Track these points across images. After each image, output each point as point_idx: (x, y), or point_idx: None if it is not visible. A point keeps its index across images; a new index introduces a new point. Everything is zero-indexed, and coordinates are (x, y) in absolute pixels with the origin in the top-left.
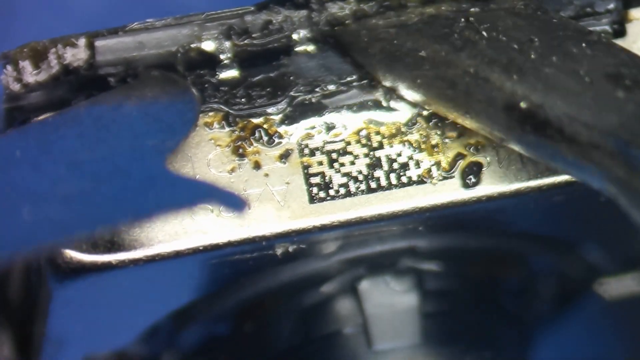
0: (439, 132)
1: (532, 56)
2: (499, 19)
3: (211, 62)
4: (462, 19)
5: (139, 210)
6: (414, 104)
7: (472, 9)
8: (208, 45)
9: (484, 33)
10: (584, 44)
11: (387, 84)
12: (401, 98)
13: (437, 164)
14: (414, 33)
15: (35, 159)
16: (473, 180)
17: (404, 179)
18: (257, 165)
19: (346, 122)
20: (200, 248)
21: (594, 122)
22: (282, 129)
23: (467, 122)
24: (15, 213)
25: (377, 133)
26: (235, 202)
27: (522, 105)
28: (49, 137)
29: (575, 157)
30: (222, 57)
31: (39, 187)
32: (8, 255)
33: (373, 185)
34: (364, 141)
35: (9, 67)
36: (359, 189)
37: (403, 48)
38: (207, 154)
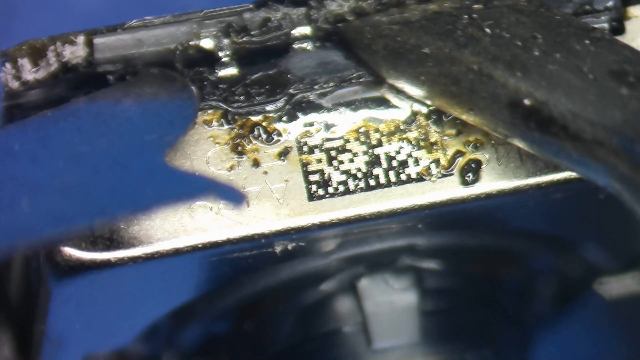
0: (438, 130)
1: (536, 53)
2: (502, 16)
3: (210, 59)
4: (465, 16)
5: (138, 203)
6: (416, 100)
7: (475, 6)
8: (207, 43)
9: (487, 30)
10: (587, 41)
11: (391, 80)
12: (404, 94)
13: (436, 161)
14: (417, 30)
15: (34, 153)
16: (472, 177)
17: (403, 177)
18: (256, 163)
19: (345, 120)
20: (200, 246)
21: (598, 119)
22: (281, 127)
23: (471, 119)
24: (14, 205)
25: (376, 130)
26: (234, 197)
27: (526, 102)
28: (48, 131)
29: (580, 154)
30: (220, 54)
31: (38, 179)
32: (7, 247)
33: (372, 182)
34: (362, 139)
35: (8, 65)
36: (358, 187)
37: (406, 45)
38: (206, 151)
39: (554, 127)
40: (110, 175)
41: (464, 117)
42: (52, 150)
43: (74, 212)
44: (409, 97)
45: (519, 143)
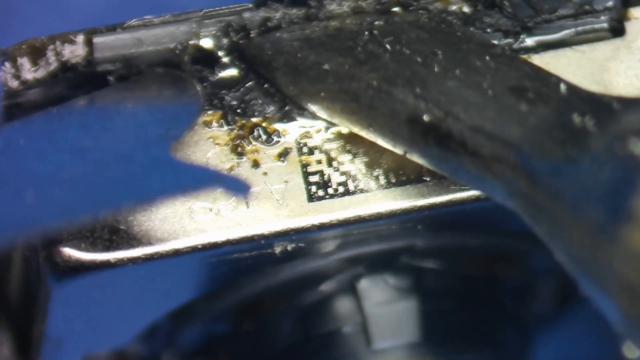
0: None
1: (435, 69)
2: (402, 32)
3: (210, 59)
4: (366, 32)
5: (142, 193)
6: (318, 118)
7: (377, 22)
8: (206, 43)
9: (388, 46)
10: (487, 57)
11: (292, 97)
12: (306, 111)
13: None
14: (317, 46)
15: (39, 147)
16: None
17: (403, 178)
18: (255, 164)
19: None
20: (199, 247)
21: (497, 135)
22: (280, 128)
23: (371, 136)
24: (18, 197)
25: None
26: (238, 187)
27: (425, 118)
28: (52, 126)
29: (478, 170)
30: (220, 54)
31: (42, 171)
32: (11, 237)
33: (372, 183)
34: (362, 139)
35: (7, 64)
36: (358, 188)
37: (306, 61)
38: (205, 152)
39: (453, 143)
40: (115, 166)
41: (364, 133)
42: (56, 144)
43: (78, 204)
44: (313, 115)
45: (418, 160)
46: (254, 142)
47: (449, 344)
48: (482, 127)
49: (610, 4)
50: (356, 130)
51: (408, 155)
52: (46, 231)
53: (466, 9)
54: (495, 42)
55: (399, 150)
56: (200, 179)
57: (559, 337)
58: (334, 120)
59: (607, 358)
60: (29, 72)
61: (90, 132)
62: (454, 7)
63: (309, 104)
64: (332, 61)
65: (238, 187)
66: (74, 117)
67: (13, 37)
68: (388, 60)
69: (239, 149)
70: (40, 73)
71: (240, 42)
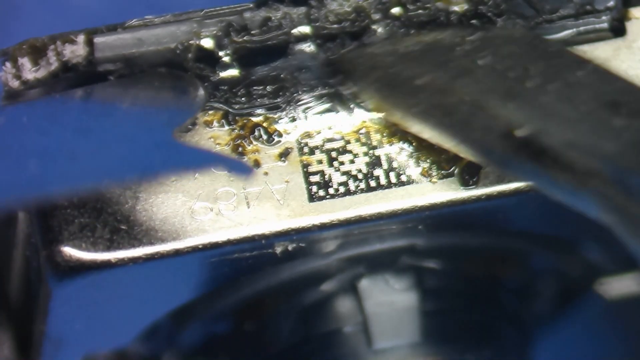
0: None
1: (529, 84)
2: (495, 48)
3: (210, 59)
4: (459, 48)
5: (145, 169)
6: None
7: (469, 38)
8: (207, 42)
9: (481, 61)
10: (581, 72)
11: (384, 112)
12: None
13: (437, 162)
14: (410, 61)
15: (43, 125)
16: (472, 179)
17: (404, 178)
18: (256, 164)
19: (346, 121)
20: (200, 246)
21: (591, 150)
22: (281, 128)
23: (463, 150)
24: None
25: (377, 131)
26: (241, 168)
27: (519, 133)
28: (56, 109)
29: (572, 186)
30: (221, 54)
31: (46, 145)
32: (12, 202)
33: (372, 183)
34: (363, 139)
35: (8, 64)
36: (359, 188)
37: (400, 76)
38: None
39: (547, 158)
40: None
41: (456, 148)
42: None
43: (81, 173)
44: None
45: (512, 174)
46: (254, 142)
47: (450, 344)
48: (576, 142)
49: (611, 4)
50: (449, 145)
51: (501, 170)
52: (49, 198)
53: (467, 8)
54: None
55: (491, 166)
56: (202, 159)
57: (559, 337)
58: (425, 135)
59: (606, 358)
60: (30, 72)
61: (91, 115)
62: (455, 7)
63: (401, 119)
64: (426, 76)
65: (240, 168)
66: (77, 102)
67: (14, 37)
68: (481, 75)
69: (240, 148)
70: (41, 73)
71: (332, 57)
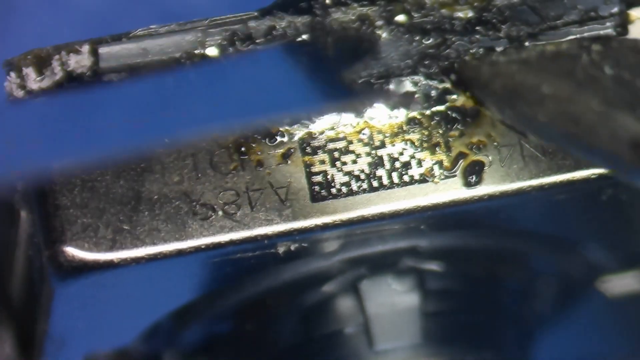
0: (440, 131)
1: None
2: (621, 57)
3: None
4: (585, 56)
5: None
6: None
7: (594, 46)
8: (212, 51)
9: (607, 70)
10: None
11: (508, 121)
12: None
13: (439, 162)
14: (535, 70)
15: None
16: (475, 179)
17: (406, 178)
18: (259, 164)
19: (348, 121)
20: (202, 246)
21: None
22: (284, 128)
23: (589, 158)
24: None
25: (379, 132)
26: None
27: None
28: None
29: None
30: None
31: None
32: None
33: (375, 184)
34: (366, 140)
35: (13, 74)
36: (361, 188)
37: (524, 85)
38: (209, 152)
39: None
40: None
41: (582, 157)
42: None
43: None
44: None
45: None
46: (257, 142)
47: (451, 345)
48: None
49: (615, 9)
50: (576, 154)
51: (628, 179)
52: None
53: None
54: (500, 48)
55: (618, 176)
56: None
57: (560, 336)
58: (550, 143)
59: (607, 357)
60: (35, 82)
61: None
62: (460, 14)
63: (526, 127)
64: (551, 85)
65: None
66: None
67: (17, 45)
68: (608, 84)
69: (243, 149)
70: (46, 83)
71: (455, 65)
